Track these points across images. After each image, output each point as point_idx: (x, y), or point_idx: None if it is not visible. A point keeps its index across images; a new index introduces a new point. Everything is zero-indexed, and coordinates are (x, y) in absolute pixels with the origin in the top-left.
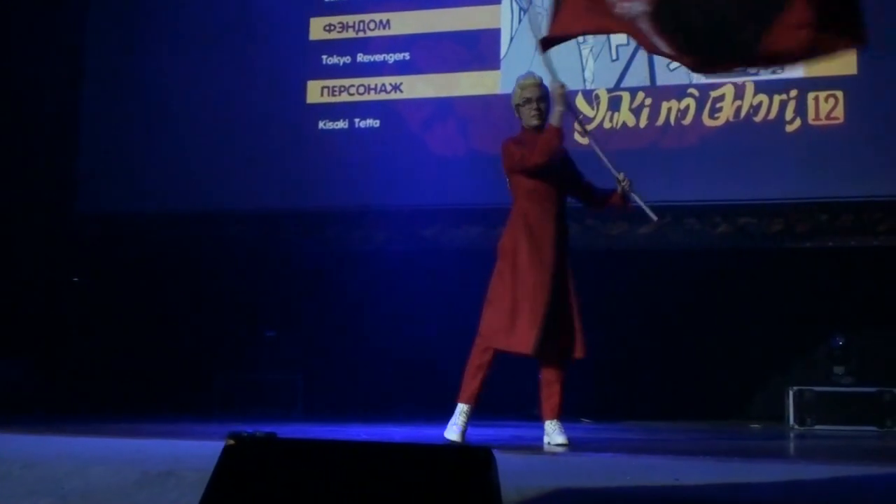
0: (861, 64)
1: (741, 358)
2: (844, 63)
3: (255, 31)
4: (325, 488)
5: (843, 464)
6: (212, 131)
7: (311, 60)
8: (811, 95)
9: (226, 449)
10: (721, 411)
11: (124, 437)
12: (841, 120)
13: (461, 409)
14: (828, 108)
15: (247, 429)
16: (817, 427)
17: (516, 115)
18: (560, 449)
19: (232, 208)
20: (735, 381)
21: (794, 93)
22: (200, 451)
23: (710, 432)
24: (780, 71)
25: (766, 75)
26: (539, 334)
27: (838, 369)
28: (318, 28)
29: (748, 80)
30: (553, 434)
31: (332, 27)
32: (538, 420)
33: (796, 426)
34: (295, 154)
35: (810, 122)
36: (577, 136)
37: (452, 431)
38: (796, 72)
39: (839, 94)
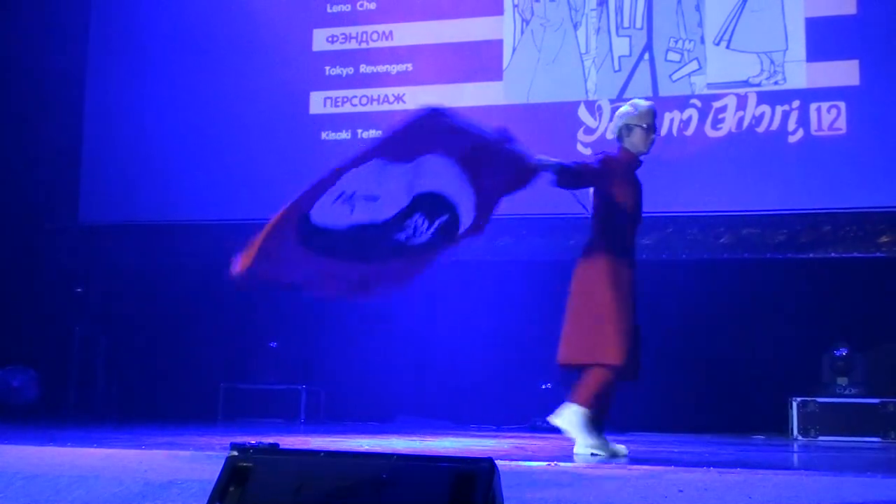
0: (863, 75)
1: (745, 369)
2: (847, 74)
3: (258, 42)
4: (327, 498)
5: (846, 475)
6: (215, 142)
7: (314, 71)
8: (813, 106)
9: (228, 459)
10: (724, 422)
11: (127, 447)
12: (843, 130)
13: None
14: (830, 119)
15: (250, 439)
16: (821, 438)
17: (616, 134)
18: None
19: (235, 219)
20: (738, 392)
21: (796, 103)
22: (203, 461)
23: (714, 443)
24: (782, 82)
25: (768, 86)
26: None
27: (842, 380)
28: (321, 39)
29: (751, 90)
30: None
31: (336, 38)
32: (540, 431)
33: (800, 437)
34: (297, 165)
35: (813, 132)
36: (579, 147)
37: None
38: (798, 82)
39: (841, 104)
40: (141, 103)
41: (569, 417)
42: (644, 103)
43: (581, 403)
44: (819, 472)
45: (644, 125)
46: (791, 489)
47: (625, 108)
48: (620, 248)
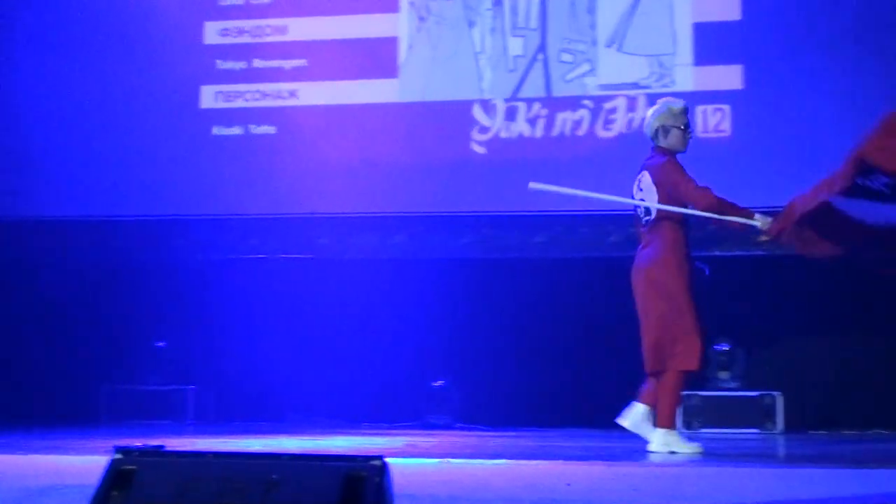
0: (746, 79)
1: (633, 364)
2: (731, 78)
3: (147, 34)
4: (214, 500)
5: (726, 466)
6: (102, 135)
7: (204, 65)
8: (700, 108)
9: (111, 462)
10: (612, 417)
11: (4, 452)
12: (728, 132)
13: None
14: (715, 121)
15: (135, 441)
16: (703, 430)
17: (651, 134)
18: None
19: (121, 214)
20: (620, 387)
21: None
22: (85, 465)
23: (601, 438)
24: (671, 85)
25: (657, 88)
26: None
27: (723, 374)
28: (212, 32)
29: (640, 92)
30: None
31: (228, 31)
32: (432, 428)
33: (683, 430)
34: (188, 160)
35: (699, 134)
36: (473, 146)
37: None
38: (686, 85)
39: (726, 107)
40: (23, 97)
41: (658, 440)
42: (677, 105)
43: (666, 425)
44: (701, 464)
45: (681, 126)
46: (675, 480)
47: (658, 108)
48: (688, 247)
